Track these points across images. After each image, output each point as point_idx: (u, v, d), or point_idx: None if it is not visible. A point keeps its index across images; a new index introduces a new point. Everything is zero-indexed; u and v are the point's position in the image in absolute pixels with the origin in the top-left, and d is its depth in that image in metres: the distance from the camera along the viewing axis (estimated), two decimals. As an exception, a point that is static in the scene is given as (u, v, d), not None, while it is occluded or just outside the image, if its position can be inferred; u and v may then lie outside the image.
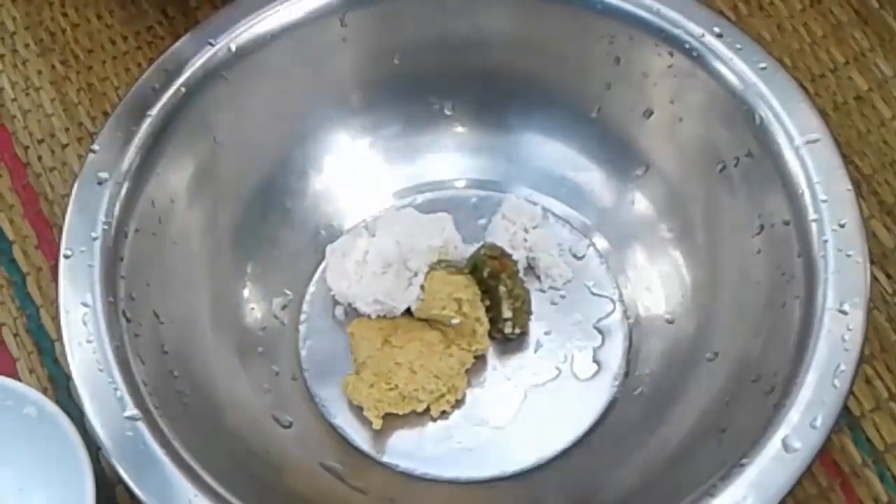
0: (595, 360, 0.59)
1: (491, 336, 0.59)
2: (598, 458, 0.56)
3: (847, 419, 0.58)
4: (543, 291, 0.61)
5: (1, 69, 0.70)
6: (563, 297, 0.61)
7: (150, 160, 0.56)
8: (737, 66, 0.56)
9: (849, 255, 0.51)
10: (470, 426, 0.57)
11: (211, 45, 0.58)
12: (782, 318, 0.52)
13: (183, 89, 0.57)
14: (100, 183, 0.54)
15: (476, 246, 0.59)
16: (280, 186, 0.62)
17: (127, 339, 0.51)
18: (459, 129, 0.64)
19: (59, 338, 0.51)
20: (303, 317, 0.61)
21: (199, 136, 0.58)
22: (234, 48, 0.58)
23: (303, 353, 0.60)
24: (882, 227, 0.63)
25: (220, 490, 0.48)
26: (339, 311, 0.60)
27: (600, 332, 0.60)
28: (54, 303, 0.52)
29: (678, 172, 0.60)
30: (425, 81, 0.63)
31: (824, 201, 0.52)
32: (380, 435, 0.57)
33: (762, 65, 0.56)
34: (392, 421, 0.57)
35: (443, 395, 0.57)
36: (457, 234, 0.60)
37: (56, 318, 0.51)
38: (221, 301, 0.59)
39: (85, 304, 0.51)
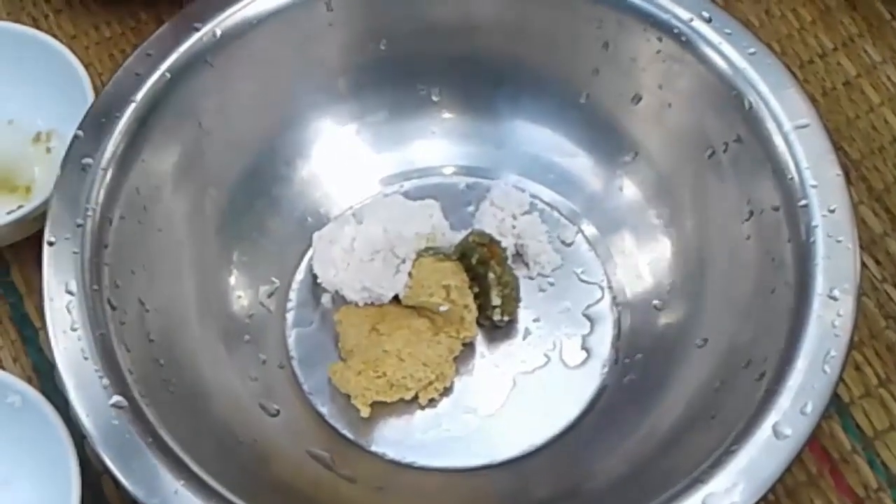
0: (584, 348, 0.59)
1: (479, 323, 0.58)
2: (588, 445, 0.56)
3: (837, 405, 0.58)
4: (532, 278, 0.61)
5: (-17, 55, 0.69)
6: (551, 284, 0.60)
7: (134, 146, 0.55)
8: (726, 51, 0.56)
9: (839, 241, 0.51)
10: (458, 414, 0.57)
11: (196, 29, 0.57)
12: (772, 304, 0.52)
13: (168, 75, 0.56)
14: (84, 169, 0.54)
15: (464, 233, 0.59)
16: (266, 173, 0.61)
17: (112, 327, 0.51)
18: (447, 115, 0.64)
19: (44, 326, 0.50)
20: (290, 304, 0.60)
21: (184, 123, 0.57)
22: (219, 33, 0.58)
23: (290, 340, 0.59)
24: (871, 213, 0.63)
25: (207, 479, 0.48)
26: (326, 298, 0.60)
27: (589, 319, 0.59)
28: (38, 291, 0.51)
29: (667, 158, 0.60)
30: (412, 67, 0.63)
31: (814, 186, 0.52)
32: (368, 423, 0.56)
33: (751, 50, 0.56)
34: (380, 409, 0.57)
35: (431, 383, 0.57)
36: (444, 221, 0.60)
37: (40, 307, 0.51)
38: (207, 289, 0.58)
39: (69, 292, 0.51)
